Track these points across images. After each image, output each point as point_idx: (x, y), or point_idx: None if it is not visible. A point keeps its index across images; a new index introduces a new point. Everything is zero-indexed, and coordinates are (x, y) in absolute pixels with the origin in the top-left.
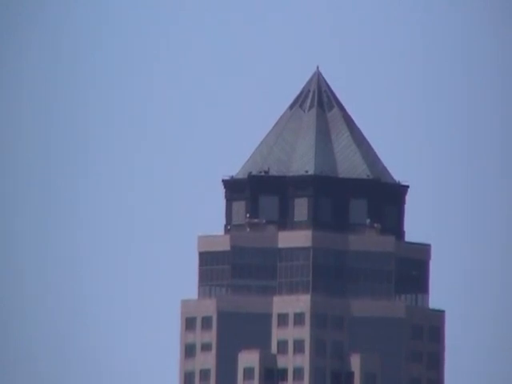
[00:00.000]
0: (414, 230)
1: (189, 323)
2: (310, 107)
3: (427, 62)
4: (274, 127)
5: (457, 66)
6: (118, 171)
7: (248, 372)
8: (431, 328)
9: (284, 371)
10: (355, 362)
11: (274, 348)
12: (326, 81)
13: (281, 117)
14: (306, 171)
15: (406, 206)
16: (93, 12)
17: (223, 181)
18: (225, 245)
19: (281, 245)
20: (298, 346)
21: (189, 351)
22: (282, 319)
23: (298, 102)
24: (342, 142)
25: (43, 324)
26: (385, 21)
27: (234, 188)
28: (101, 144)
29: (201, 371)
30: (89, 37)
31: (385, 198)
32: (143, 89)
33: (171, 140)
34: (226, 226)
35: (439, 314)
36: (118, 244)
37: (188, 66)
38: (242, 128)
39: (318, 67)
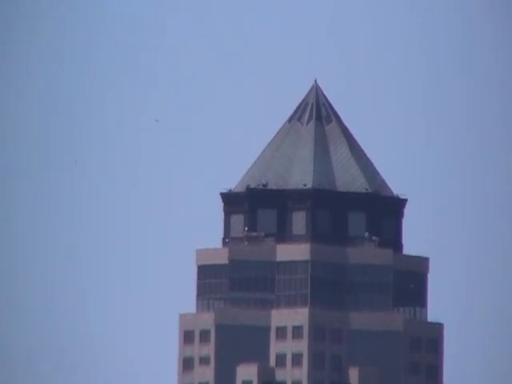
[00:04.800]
0: (412, 243)
1: (187, 336)
2: (309, 120)
3: (425, 77)
4: (272, 140)
5: (456, 81)
6: (117, 185)
7: None
8: (429, 341)
9: None
10: (354, 375)
11: (272, 361)
12: (324, 94)
13: (279, 130)
14: (305, 184)
15: (405, 220)
16: (93, 12)
17: (221, 194)
18: (223, 258)
19: (279, 258)
20: (297, 359)
21: (187, 364)
22: (281, 332)
23: (297, 115)
24: (340, 155)
25: (43, 343)
26: (383, 35)
27: (232, 201)
28: (99, 157)
29: None
30: (89, 37)
31: (383, 211)
32: (141, 102)
33: (170, 153)
34: (224, 239)
35: (437, 327)
36: (117, 257)
37: (187, 80)
38: (240, 141)
39: (316, 80)
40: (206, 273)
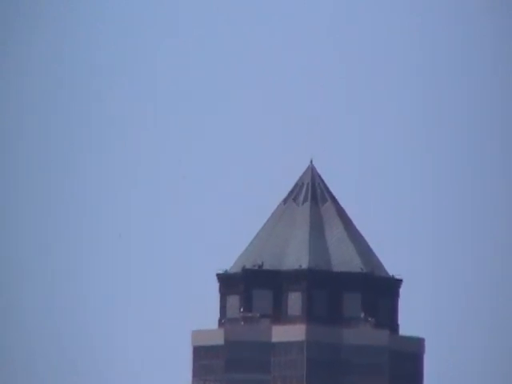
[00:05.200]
0: (407, 323)
1: None
2: (304, 201)
3: (420, 152)
4: (267, 221)
5: (456, 85)
6: (114, 268)
7: None
8: None
9: None
10: None
11: None
12: (319, 174)
13: (275, 211)
14: (300, 265)
15: (400, 300)
16: (93, 12)
17: (217, 275)
18: (219, 339)
19: (275, 339)
20: None
21: None
22: None
23: (292, 195)
24: (335, 235)
25: None
26: (375, 115)
27: (228, 282)
28: (91, 246)
29: None
30: (89, 37)
31: (379, 291)
32: (141, 103)
33: (165, 235)
34: (220, 320)
35: None
36: (113, 339)
37: (179, 158)
38: (235, 222)
39: (311, 161)
40: (201, 354)
